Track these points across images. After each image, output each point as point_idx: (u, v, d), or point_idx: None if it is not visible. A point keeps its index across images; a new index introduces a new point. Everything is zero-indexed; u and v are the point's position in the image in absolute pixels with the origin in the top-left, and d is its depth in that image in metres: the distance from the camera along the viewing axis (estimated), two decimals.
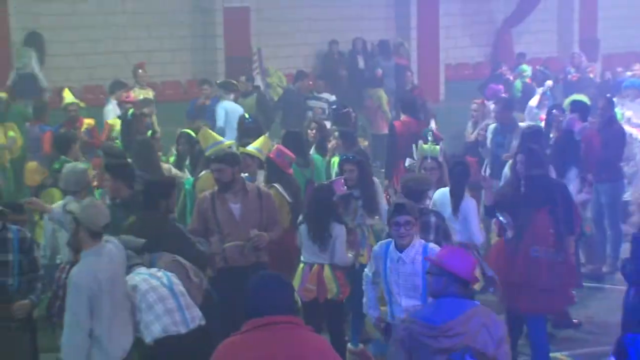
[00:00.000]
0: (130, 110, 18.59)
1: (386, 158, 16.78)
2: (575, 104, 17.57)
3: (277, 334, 6.68)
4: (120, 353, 9.59)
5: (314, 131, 17.48)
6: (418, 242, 10.42)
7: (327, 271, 12.13)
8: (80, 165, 13.99)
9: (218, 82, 23.23)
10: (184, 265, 10.78)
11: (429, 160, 14.34)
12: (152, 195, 11.86)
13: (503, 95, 20.98)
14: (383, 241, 10.96)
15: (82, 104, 20.88)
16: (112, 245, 9.85)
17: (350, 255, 12.59)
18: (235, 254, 11.86)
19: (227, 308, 11.37)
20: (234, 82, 22.48)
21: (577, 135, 15.97)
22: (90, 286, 9.34)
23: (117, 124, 19.10)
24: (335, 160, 15.52)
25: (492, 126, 18.04)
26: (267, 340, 6.65)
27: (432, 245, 10.68)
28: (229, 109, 20.98)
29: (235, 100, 21.68)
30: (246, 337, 6.74)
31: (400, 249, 10.36)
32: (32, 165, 18.10)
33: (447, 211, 13.00)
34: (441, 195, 13.22)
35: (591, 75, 27.07)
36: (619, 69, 27.75)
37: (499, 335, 8.11)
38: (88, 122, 19.57)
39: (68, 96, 20.49)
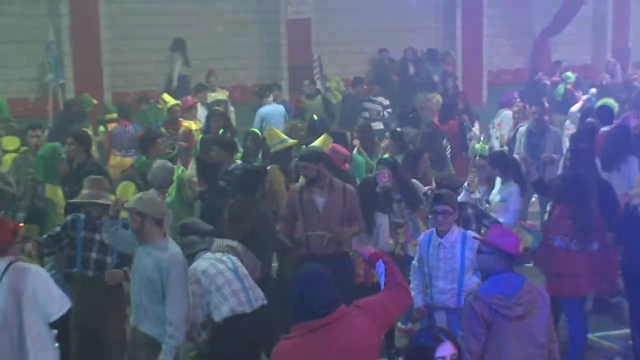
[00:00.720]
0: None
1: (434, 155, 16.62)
2: (601, 109, 17.86)
3: (326, 335, 6.65)
4: None
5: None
6: (457, 230, 10.53)
7: None
8: (169, 163, 14.04)
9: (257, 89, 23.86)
10: (237, 251, 11.00)
11: (478, 158, 14.62)
12: (250, 181, 12.25)
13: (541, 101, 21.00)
14: (427, 230, 11.06)
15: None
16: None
17: (391, 242, 12.70)
18: (316, 244, 11.86)
19: None
20: (270, 86, 22.91)
21: (635, 130, 16.20)
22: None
23: (191, 125, 19.52)
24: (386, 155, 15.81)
25: (524, 129, 18.08)
26: (318, 343, 6.63)
27: (470, 232, 10.81)
28: (266, 113, 21.12)
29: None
30: (297, 341, 6.72)
31: (441, 235, 10.47)
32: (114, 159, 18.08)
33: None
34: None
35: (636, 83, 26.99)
36: None
37: (547, 301, 8.56)
38: (185, 125, 19.60)
39: (169, 99, 20.74)
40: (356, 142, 17.45)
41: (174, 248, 9.82)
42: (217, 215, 12.75)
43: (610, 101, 19.03)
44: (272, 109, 21.33)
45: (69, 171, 14.13)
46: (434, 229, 10.75)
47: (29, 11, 23.69)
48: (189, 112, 20.67)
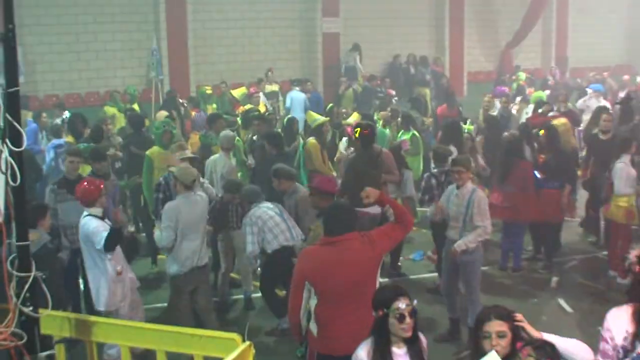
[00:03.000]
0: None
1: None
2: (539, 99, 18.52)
3: (340, 246, 6.87)
4: (183, 258, 9.85)
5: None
6: (470, 185, 10.39)
7: (400, 202, 11.84)
8: (231, 132, 14.29)
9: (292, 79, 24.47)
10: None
11: (466, 133, 14.94)
12: (370, 137, 12.07)
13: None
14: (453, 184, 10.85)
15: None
16: (198, 197, 10.17)
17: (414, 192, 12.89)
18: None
19: None
20: (301, 79, 24.16)
21: None
22: (174, 214, 9.78)
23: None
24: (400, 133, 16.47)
25: (494, 114, 18.19)
26: (334, 250, 6.86)
27: (480, 192, 10.57)
28: (293, 96, 22.33)
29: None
30: (321, 248, 7.07)
31: (458, 187, 10.43)
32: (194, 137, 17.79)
33: None
34: None
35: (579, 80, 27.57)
36: (592, 74, 27.53)
37: None
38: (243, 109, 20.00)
39: (236, 93, 22.00)
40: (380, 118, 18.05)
41: (173, 201, 10.19)
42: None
43: (542, 95, 19.50)
44: (295, 94, 22.48)
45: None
46: (455, 184, 10.63)
47: (139, 27, 23.82)
48: (251, 99, 21.13)
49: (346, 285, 6.66)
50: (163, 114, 18.26)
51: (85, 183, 9.60)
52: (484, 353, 5.10)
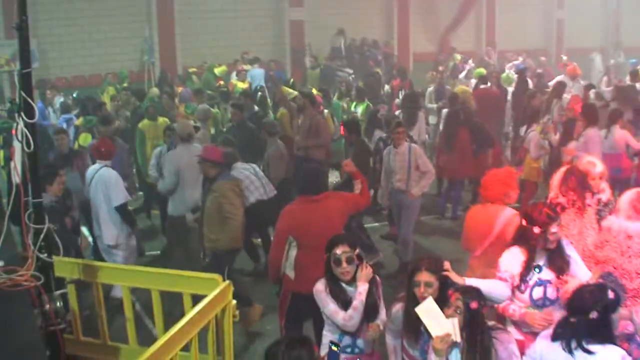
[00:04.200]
0: None
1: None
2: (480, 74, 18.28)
3: (320, 204, 6.99)
4: (183, 201, 10.12)
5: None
6: (406, 144, 10.45)
7: None
8: (207, 106, 14.53)
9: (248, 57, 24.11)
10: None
11: None
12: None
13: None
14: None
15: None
16: (196, 147, 10.23)
17: None
18: None
19: None
20: (258, 57, 23.61)
21: None
22: (175, 160, 10.17)
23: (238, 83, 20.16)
24: (353, 104, 16.43)
25: (432, 89, 18.19)
26: (312, 208, 6.96)
27: (414, 145, 10.76)
28: (253, 74, 21.94)
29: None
30: (299, 205, 7.12)
31: (396, 147, 10.52)
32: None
33: None
34: None
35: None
36: (509, 54, 27.85)
37: None
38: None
39: (219, 70, 22.07)
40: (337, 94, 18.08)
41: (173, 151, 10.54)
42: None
43: (482, 71, 19.57)
44: (254, 72, 22.15)
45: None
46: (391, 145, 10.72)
47: (134, 18, 23.92)
48: (241, 75, 21.29)
49: (324, 236, 6.71)
50: (155, 90, 18.32)
51: (101, 141, 10.07)
52: (415, 297, 5.22)
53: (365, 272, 5.53)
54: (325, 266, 5.69)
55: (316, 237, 6.55)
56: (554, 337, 4.33)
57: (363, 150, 12.09)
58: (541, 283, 5.56)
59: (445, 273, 5.29)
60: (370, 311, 5.57)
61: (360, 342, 5.66)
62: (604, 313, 4.18)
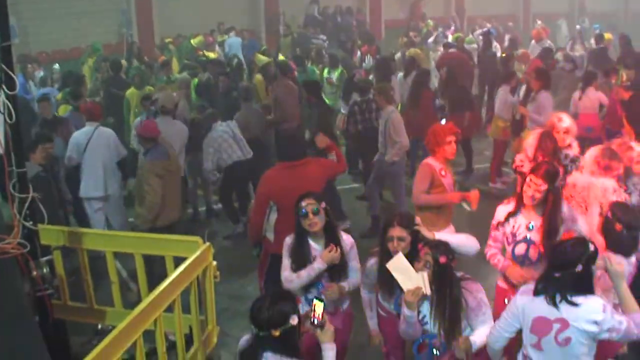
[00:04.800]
0: None
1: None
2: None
3: (300, 169, 6.95)
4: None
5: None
6: (389, 107, 10.45)
7: None
8: (186, 75, 14.71)
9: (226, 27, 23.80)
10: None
11: None
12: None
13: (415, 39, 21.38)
14: None
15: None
16: (177, 121, 10.45)
17: None
18: None
19: None
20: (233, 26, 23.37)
21: None
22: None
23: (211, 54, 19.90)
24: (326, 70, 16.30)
25: (399, 55, 18.18)
26: (291, 174, 6.91)
27: (395, 114, 10.59)
28: (230, 42, 22.00)
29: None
30: (279, 171, 7.06)
31: (379, 110, 10.84)
32: None
33: None
34: None
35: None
36: (479, 20, 27.57)
37: None
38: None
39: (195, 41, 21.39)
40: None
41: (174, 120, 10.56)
42: None
43: (459, 34, 19.52)
44: (232, 40, 22.19)
45: None
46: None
47: None
48: (211, 46, 21.05)
49: None
50: (124, 62, 18.25)
51: (92, 104, 10.64)
52: (388, 251, 5.30)
53: (329, 255, 5.46)
54: (295, 223, 5.67)
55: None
56: (537, 292, 4.39)
57: (325, 112, 11.97)
58: (527, 241, 5.65)
59: (416, 228, 5.36)
60: (336, 273, 5.58)
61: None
62: (587, 265, 4.28)
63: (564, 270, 4.27)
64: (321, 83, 14.69)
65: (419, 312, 4.95)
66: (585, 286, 4.29)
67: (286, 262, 5.59)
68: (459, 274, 5.01)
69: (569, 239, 4.70)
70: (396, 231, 5.31)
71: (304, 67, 16.69)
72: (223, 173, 10.72)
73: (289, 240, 5.68)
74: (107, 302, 7.30)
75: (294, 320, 4.14)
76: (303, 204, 5.52)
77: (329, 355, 4.45)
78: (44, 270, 5.57)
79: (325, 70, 16.21)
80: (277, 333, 4.10)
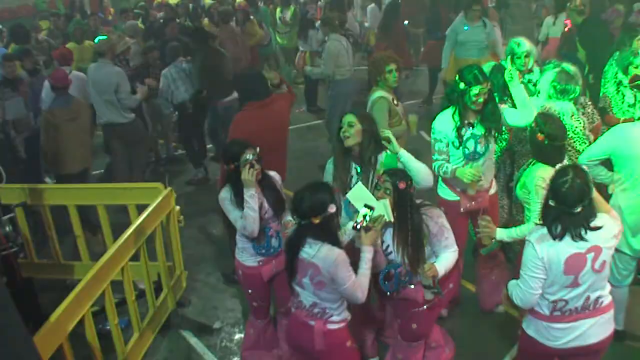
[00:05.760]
0: None
1: None
2: None
3: (270, 107, 6.77)
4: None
5: None
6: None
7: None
8: (134, 22, 14.54)
9: None
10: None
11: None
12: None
13: None
14: None
15: None
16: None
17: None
18: None
19: None
20: None
21: None
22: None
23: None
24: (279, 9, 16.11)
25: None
26: (263, 114, 6.70)
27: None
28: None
29: None
30: (251, 112, 6.75)
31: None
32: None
33: None
34: None
35: None
36: None
37: None
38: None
39: None
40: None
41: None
42: None
43: None
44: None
45: None
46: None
47: None
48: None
49: (277, 137, 6.77)
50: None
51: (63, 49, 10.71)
52: (341, 140, 5.38)
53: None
54: (230, 178, 5.49)
55: (271, 141, 6.52)
56: (559, 236, 4.28)
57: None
58: (473, 137, 5.72)
59: (385, 137, 5.31)
60: (277, 207, 5.56)
61: (274, 241, 5.65)
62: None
63: (575, 207, 4.22)
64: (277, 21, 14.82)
65: (382, 242, 4.95)
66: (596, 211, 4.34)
67: (236, 213, 5.43)
68: (417, 201, 4.98)
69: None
70: (348, 117, 5.40)
71: (257, 7, 16.49)
72: (177, 114, 10.73)
73: (224, 194, 5.48)
74: (75, 256, 7.28)
75: (332, 209, 4.46)
76: (249, 156, 5.36)
77: (366, 257, 4.63)
78: (7, 228, 5.53)
79: (278, 10, 16.03)
80: (317, 220, 4.44)
